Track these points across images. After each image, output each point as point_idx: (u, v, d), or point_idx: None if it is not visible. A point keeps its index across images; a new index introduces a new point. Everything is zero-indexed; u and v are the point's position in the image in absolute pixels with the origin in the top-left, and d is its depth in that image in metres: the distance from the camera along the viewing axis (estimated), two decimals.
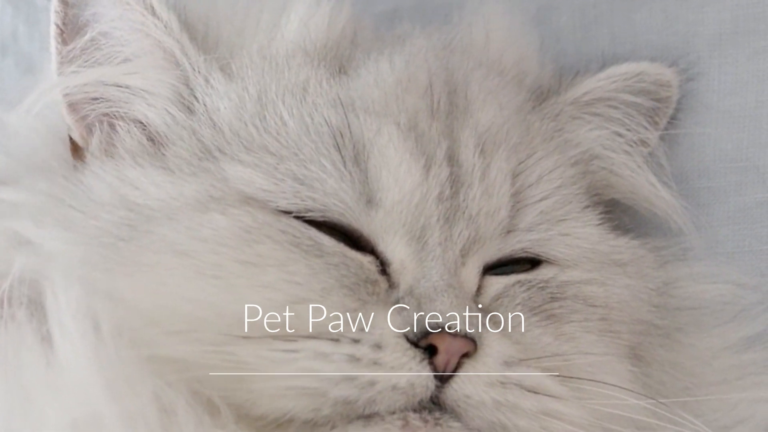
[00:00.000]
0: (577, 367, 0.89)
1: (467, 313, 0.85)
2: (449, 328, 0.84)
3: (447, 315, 0.84)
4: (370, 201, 0.89)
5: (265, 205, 0.88)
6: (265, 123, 0.90)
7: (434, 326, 0.84)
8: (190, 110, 0.92)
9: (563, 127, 0.99)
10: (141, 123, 0.92)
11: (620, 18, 1.07)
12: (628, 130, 1.01)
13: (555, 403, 0.85)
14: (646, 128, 1.02)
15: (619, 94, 1.01)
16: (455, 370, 0.84)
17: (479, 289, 0.90)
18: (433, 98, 0.92)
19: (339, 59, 0.95)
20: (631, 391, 0.89)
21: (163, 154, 0.90)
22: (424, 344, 0.84)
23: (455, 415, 0.84)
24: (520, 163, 0.93)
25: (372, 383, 0.82)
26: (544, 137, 0.97)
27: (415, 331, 0.84)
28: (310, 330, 0.83)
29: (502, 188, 0.91)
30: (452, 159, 0.91)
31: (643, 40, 1.07)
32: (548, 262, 0.93)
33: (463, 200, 0.90)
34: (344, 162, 0.88)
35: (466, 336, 0.84)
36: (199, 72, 0.92)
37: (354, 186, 0.88)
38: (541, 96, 1.00)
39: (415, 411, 0.83)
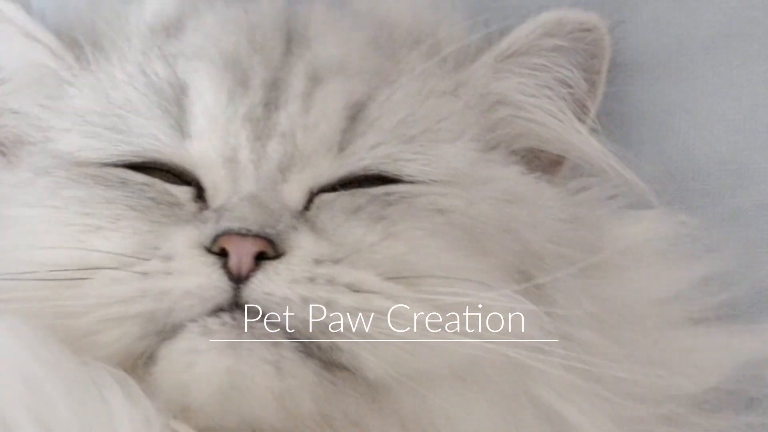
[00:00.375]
0: (414, 267, 0.89)
1: (268, 218, 0.87)
2: (239, 230, 0.85)
3: (239, 218, 0.86)
4: (183, 133, 0.93)
5: (87, 162, 0.93)
6: (108, 98, 0.96)
7: (225, 230, 0.86)
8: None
9: (477, 81, 0.99)
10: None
11: (611, 20, 1.05)
12: (551, 75, 1.00)
13: (382, 300, 0.86)
14: (569, 70, 1.00)
15: (539, 41, 1.00)
16: (255, 271, 0.85)
17: (309, 205, 0.91)
18: (255, 34, 0.97)
19: (176, 24, 1.00)
20: (487, 285, 0.88)
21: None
22: (216, 249, 0.85)
23: (264, 317, 0.84)
24: (368, 89, 0.95)
25: (166, 292, 0.85)
26: (426, 79, 0.97)
27: (206, 237, 0.86)
28: (106, 259, 0.87)
29: (326, 105, 0.93)
30: (273, 85, 0.94)
31: (634, 42, 1.07)
32: (402, 181, 0.93)
33: (278, 119, 0.93)
34: (165, 106, 0.93)
35: (258, 236, 0.85)
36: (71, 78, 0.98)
37: (170, 123, 0.93)
38: (461, 55, 1.00)
39: (213, 315, 0.84)
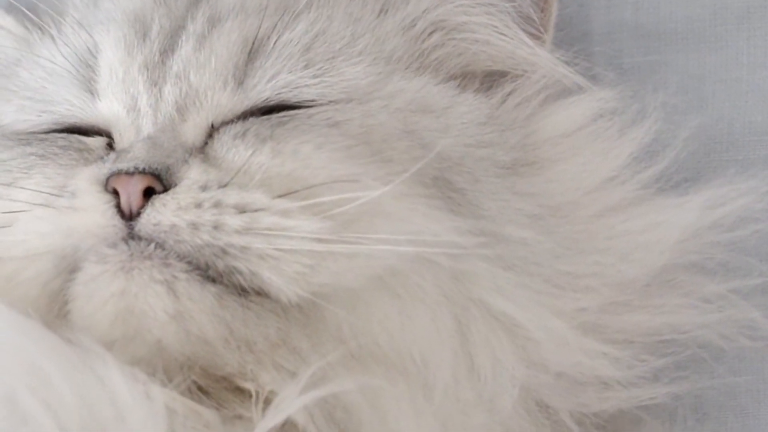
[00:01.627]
0: (305, 181, 0.89)
1: (158, 156, 0.89)
2: (127, 169, 0.88)
3: (129, 159, 0.89)
4: (92, 92, 0.97)
5: (17, 132, 0.99)
6: (42, 71, 1.01)
7: (115, 171, 0.88)
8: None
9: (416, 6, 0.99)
10: None
11: None
12: None
13: (271, 216, 0.86)
14: None
15: None
16: (146, 207, 0.87)
17: (209, 142, 0.93)
18: None
19: None
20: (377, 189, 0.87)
21: None
22: (110, 189, 0.88)
23: (157, 244, 0.86)
24: (269, 24, 0.96)
25: (71, 228, 0.88)
26: (337, 7, 0.98)
27: (102, 177, 0.88)
28: (26, 204, 0.90)
29: (218, 42, 0.95)
30: (173, 33, 0.97)
31: (666, 11, 1.08)
32: (302, 106, 0.94)
33: (172, 62, 0.95)
34: (79, 71, 0.98)
35: (144, 172, 0.87)
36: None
37: (82, 85, 0.97)
38: None
39: (111, 246, 0.86)
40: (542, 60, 0.98)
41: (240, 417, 0.88)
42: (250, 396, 0.87)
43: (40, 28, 1.03)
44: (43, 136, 0.97)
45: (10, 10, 1.05)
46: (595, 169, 0.95)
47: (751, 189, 0.95)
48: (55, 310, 0.88)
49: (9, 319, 0.85)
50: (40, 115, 0.99)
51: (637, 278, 0.92)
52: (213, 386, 0.88)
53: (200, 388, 0.88)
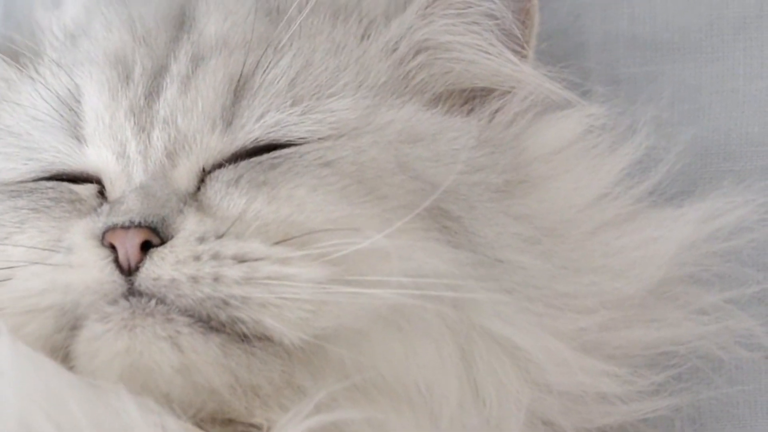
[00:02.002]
0: (302, 226, 0.88)
1: (153, 207, 0.88)
2: (123, 223, 0.87)
3: (124, 211, 0.88)
4: (79, 138, 0.95)
5: (4, 182, 0.97)
6: (24, 114, 0.99)
7: (111, 225, 0.88)
8: None
9: (398, 30, 0.98)
10: None
11: None
12: (474, 10, 0.98)
13: (270, 265, 0.86)
14: (492, 2, 0.97)
15: None
16: (144, 261, 0.87)
17: (201, 187, 0.92)
18: (137, 27, 0.98)
19: (76, 33, 1.03)
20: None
21: None
22: (107, 243, 0.87)
23: (158, 300, 0.86)
24: (253, 60, 0.95)
25: (69, 285, 0.87)
26: (318, 37, 0.97)
27: (98, 231, 0.88)
28: (20, 259, 0.90)
29: (203, 83, 0.94)
30: (157, 74, 0.95)
31: (663, 21, 1.08)
32: (294, 144, 0.93)
33: (158, 106, 0.94)
34: (63, 116, 0.96)
35: (140, 226, 0.87)
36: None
37: (67, 132, 0.96)
38: (390, 11, 1.00)
39: (112, 303, 0.86)
40: (528, 77, 0.98)
41: None
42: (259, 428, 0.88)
43: (18, 69, 1.02)
44: (31, 185, 0.95)
45: None
46: (587, 185, 0.95)
47: (747, 201, 0.96)
48: (58, 362, 0.87)
49: (27, 353, 0.85)
50: (26, 163, 0.97)
51: (634, 294, 0.92)
52: (221, 425, 0.88)
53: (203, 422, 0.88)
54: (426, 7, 0.98)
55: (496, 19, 0.98)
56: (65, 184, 0.95)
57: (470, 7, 0.98)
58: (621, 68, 1.07)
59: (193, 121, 0.93)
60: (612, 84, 1.04)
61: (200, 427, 0.88)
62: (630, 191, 0.95)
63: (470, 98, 0.99)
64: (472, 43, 0.98)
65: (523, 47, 0.99)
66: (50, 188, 0.94)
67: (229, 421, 0.88)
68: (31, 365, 0.84)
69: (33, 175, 0.97)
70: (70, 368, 0.87)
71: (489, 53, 0.98)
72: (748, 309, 0.96)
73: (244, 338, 0.86)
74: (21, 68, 1.01)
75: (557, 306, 0.90)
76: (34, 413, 0.82)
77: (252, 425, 0.88)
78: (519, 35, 0.98)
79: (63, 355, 0.88)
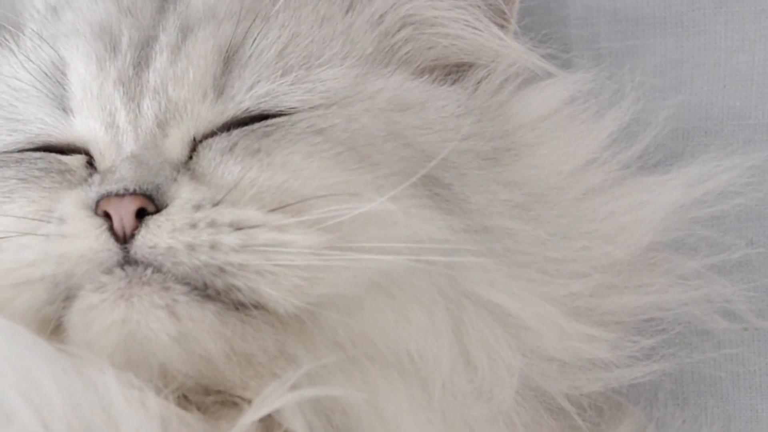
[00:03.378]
0: (297, 193, 0.89)
1: (146, 175, 0.88)
2: (117, 191, 0.87)
3: (117, 180, 0.88)
4: (65, 109, 0.95)
5: None
6: (8, 87, 0.98)
7: (105, 193, 0.87)
8: None
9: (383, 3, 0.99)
10: None
11: None
12: None
13: (267, 232, 0.86)
14: None
15: None
16: (139, 228, 0.87)
17: (193, 154, 0.92)
18: None
19: (58, 4, 1.03)
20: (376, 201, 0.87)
21: None
22: (101, 212, 0.87)
23: (155, 268, 0.86)
24: (241, 30, 0.95)
25: (63, 255, 0.87)
26: (304, 8, 0.98)
27: (91, 201, 0.88)
28: (9, 229, 0.89)
29: (194, 52, 0.94)
30: (144, 44, 0.96)
31: None
32: (284, 114, 0.94)
33: (148, 76, 0.94)
34: (49, 87, 0.96)
35: (135, 193, 0.87)
36: None
37: (53, 103, 0.96)
38: None
39: (107, 272, 0.86)
40: (514, 51, 0.99)
41: (223, 419, 0.88)
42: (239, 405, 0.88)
43: (5, 35, 1.02)
44: (18, 156, 0.95)
45: None
46: (574, 151, 0.96)
47: (735, 164, 0.97)
48: (46, 334, 0.87)
49: (2, 327, 0.85)
50: (10, 134, 0.97)
51: (623, 259, 0.93)
52: (204, 399, 0.88)
53: (186, 396, 0.88)
54: None
55: None
56: (53, 155, 0.95)
57: None
58: (602, 42, 1.09)
59: (184, 90, 0.93)
60: (594, 58, 1.05)
61: (188, 400, 0.88)
62: (617, 157, 0.96)
63: (454, 69, 1.00)
64: (458, 17, 0.99)
65: (507, 21, 0.99)
66: (38, 159, 0.94)
67: (218, 393, 0.88)
68: (5, 338, 0.84)
69: (18, 146, 0.96)
70: (61, 340, 0.87)
71: (476, 28, 0.99)
72: (730, 275, 0.97)
73: (239, 306, 0.86)
74: (1, 42, 1.01)
75: (548, 271, 0.92)
76: (5, 388, 0.82)
77: (240, 397, 0.88)
78: (506, 11, 0.99)
79: (54, 326, 0.88)
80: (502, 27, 0.99)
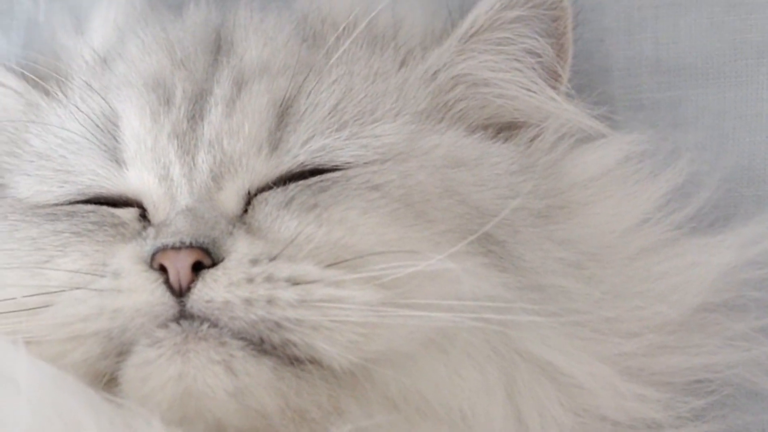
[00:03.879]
0: (354, 249, 0.89)
1: (202, 228, 0.88)
2: (173, 244, 0.87)
3: (173, 233, 0.88)
4: (118, 162, 0.96)
5: (40, 205, 0.97)
6: (56, 138, 0.99)
7: (161, 246, 0.88)
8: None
9: (438, 61, 0.99)
10: None
11: (665, 23, 1.09)
12: (516, 47, 1.00)
13: (324, 287, 0.87)
14: (534, 39, 1.00)
15: (500, 14, 1.00)
16: (196, 282, 0.87)
17: (248, 208, 0.93)
18: (175, 50, 1.00)
19: (109, 56, 1.03)
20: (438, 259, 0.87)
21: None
22: (156, 265, 0.88)
23: (211, 323, 0.86)
24: (295, 85, 0.96)
25: (118, 310, 0.87)
26: (358, 62, 0.99)
27: (146, 254, 0.88)
28: (63, 283, 0.90)
29: (249, 106, 0.95)
30: (198, 98, 0.96)
31: (686, 45, 1.10)
32: (339, 168, 0.94)
33: (203, 129, 0.95)
34: (101, 139, 0.97)
35: (191, 246, 0.87)
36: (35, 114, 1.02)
37: (106, 155, 0.96)
38: (426, 41, 1.02)
39: (162, 327, 0.86)
40: (568, 113, 0.99)
41: None
42: None
43: (45, 92, 1.02)
44: (68, 209, 0.96)
45: (10, 71, 1.05)
46: (627, 211, 0.97)
47: None
48: (100, 387, 0.87)
49: (47, 370, 0.85)
50: (62, 186, 0.98)
51: (674, 320, 0.94)
52: None
53: None
54: (464, 42, 1.00)
55: (539, 57, 1.00)
56: (105, 207, 0.95)
57: (512, 43, 1.00)
58: (644, 93, 1.09)
59: (239, 143, 0.94)
60: (635, 108, 1.06)
61: None
62: (670, 217, 0.97)
63: (506, 127, 1.01)
64: (513, 79, 1.00)
65: (560, 82, 1.01)
66: (91, 212, 0.95)
67: None
68: (50, 382, 0.85)
69: (69, 198, 0.97)
70: (114, 394, 0.87)
71: (531, 90, 1.00)
72: None
73: (294, 361, 0.87)
74: (48, 92, 1.01)
75: (601, 330, 0.92)
76: None
77: None
78: (561, 74, 1.00)
79: (107, 379, 0.88)
80: (554, 88, 1.00)
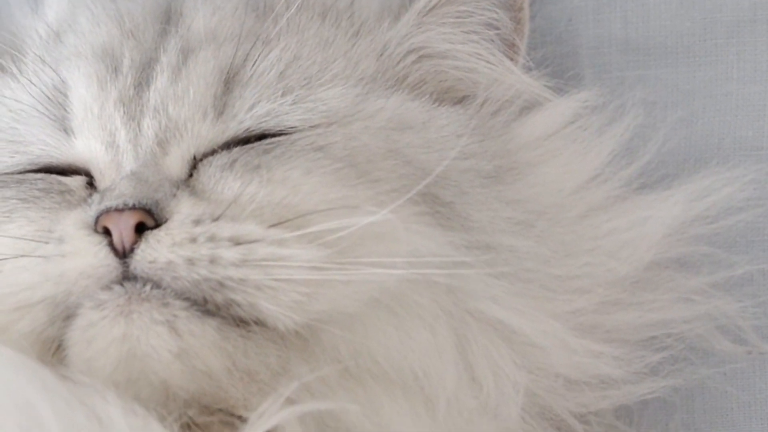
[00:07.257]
0: (297, 208, 0.90)
1: (146, 191, 0.89)
2: (116, 206, 0.88)
3: (117, 196, 0.89)
4: (66, 131, 0.98)
5: None
6: (8, 110, 1.00)
7: (105, 209, 0.89)
8: None
9: (396, 34, 1.01)
10: None
11: (634, 2, 1.10)
12: (475, 19, 1.01)
13: (266, 246, 0.88)
14: (493, 12, 1.01)
15: None
16: (139, 243, 0.88)
17: (193, 172, 0.94)
18: (125, 21, 1.01)
19: (60, 29, 1.05)
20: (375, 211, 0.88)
21: None
22: (100, 228, 0.89)
23: (154, 284, 0.87)
24: (242, 52, 0.97)
25: (62, 274, 0.88)
26: (307, 32, 0.99)
27: (90, 219, 0.89)
28: (7, 250, 0.91)
29: (195, 72, 0.96)
30: (146, 66, 0.98)
31: (656, 24, 1.11)
32: (285, 133, 0.96)
33: (149, 95, 0.96)
34: (50, 110, 0.98)
35: (134, 208, 0.88)
36: None
37: (55, 124, 0.98)
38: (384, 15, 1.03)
39: (105, 289, 0.87)
40: (526, 85, 1.01)
41: None
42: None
43: (6, 59, 1.05)
44: (19, 177, 0.97)
45: None
46: (576, 169, 0.98)
47: (735, 177, 0.99)
48: (49, 355, 0.89)
49: (2, 355, 0.86)
50: (12, 156, 0.99)
51: (626, 276, 0.95)
52: (207, 420, 0.89)
53: (189, 426, 0.89)
54: (423, 15, 1.01)
55: (497, 29, 1.02)
56: (54, 176, 0.97)
57: (471, 16, 1.02)
58: (614, 72, 1.10)
59: (184, 108, 0.96)
60: (605, 88, 1.05)
61: (191, 429, 0.88)
62: (619, 174, 0.98)
63: (463, 100, 1.02)
64: (472, 51, 1.01)
65: (517, 54, 1.02)
66: (39, 179, 0.97)
67: (221, 412, 0.89)
68: (7, 370, 0.85)
69: (20, 168, 0.99)
70: (63, 358, 0.89)
71: (490, 62, 1.01)
72: (734, 291, 0.98)
73: (240, 322, 0.88)
74: (2, 67, 1.04)
75: (552, 288, 0.93)
76: (5, 423, 0.82)
77: (243, 417, 0.88)
78: (519, 45, 1.02)
79: (56, 346, 0.89)
80: (512, 60, 1.02)
